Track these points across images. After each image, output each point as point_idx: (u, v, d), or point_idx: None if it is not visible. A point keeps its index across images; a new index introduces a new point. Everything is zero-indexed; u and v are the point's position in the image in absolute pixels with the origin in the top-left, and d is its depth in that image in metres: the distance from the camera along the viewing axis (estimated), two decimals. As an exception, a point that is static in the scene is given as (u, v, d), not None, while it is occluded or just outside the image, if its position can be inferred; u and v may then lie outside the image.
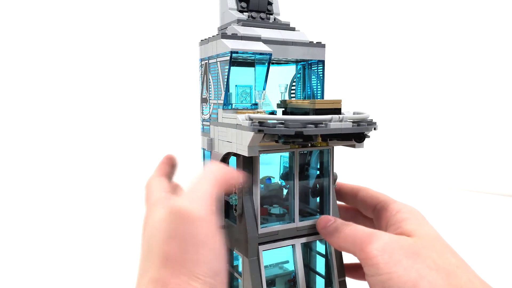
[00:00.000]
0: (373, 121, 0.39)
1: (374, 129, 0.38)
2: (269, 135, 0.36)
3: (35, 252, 0.86)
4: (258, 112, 0.40)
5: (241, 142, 0.37)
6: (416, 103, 1.53)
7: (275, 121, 0.35)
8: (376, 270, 0.34)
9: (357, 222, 0.48)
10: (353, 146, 0.42)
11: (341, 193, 0.50)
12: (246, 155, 0.37)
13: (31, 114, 1.29)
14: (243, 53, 0.40)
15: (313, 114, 0.39)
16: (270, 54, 0.41)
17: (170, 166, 0.44)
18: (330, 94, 0.52)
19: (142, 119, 1.46)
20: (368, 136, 0.38)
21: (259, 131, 0.35)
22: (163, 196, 0.36)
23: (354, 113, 0.41)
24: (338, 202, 0.51)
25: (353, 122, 0.36)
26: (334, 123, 0.35)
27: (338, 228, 0.39)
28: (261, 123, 0.35)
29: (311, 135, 0.35)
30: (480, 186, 1.37)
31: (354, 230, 0.38)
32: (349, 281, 0.46)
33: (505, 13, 1.33)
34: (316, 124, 0.35)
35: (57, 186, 1.30)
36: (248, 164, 0.41)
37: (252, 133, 0.35)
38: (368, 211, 0.46)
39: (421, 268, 0.33)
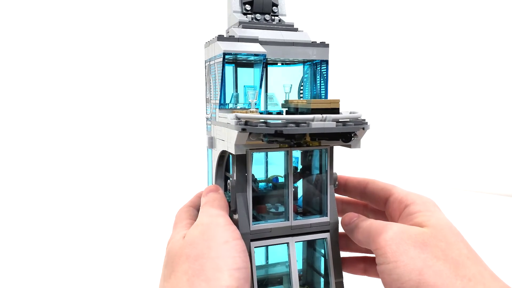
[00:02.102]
0: (364, 120, 0.38)
1: (363, 128, 0.37)
2: (255, 134, 0.37)
3: (35, 253, 0.88)
4: (250, 111, 0.41)
5: (230, 140, 0.39)
6: (418, 103, 1.50)
7: (259, 120, 0.36)
8: (384, 259, 0.34)
9: (368, 216, 0.48)
10: (349, 146, 0.42)
11: (348, 188, 0.49)
12: (233, 153, 0.38)
13: (40, 115, 1.34)
14: (237, 54, 0.41)
15: (311, 114, 0.40)
16: (264, 55, 0.42)
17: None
18: (338, 94, 0.51)
19: (154, 118, 1.52)
20: (356, 136, 0.38)
21: (243, 129, 0.36)
22: (186, 222, 0.42)
23: (350, 113, 0.41)
24: (347, 197, 0.51)
25: (337, 121, 0.36)
26: (316, 122, 0.35)
27: (358, 224, 0.41)
28: (247, 122, 0.36)
29: (293, 134, 0.35)
30: (480, 186, 1.34)
31: (370, 224, 0.39)
32: (348, 282, 0.46)
33: (504, 13, 1.28)
34: (298, 123, 0.35)
35: (62, 185, 1.36)
36: (242, 162, 0.42)
37: (236, 132, 0.36)
38: (379, 204, 0.45)
39: (428, 257, 0.33)
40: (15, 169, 1.30)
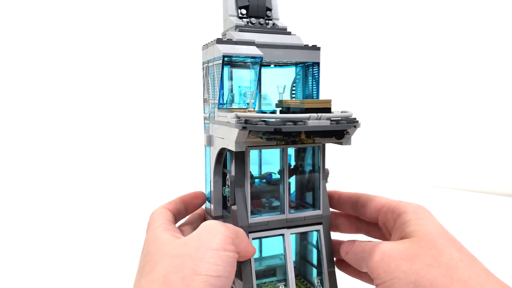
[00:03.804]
0: (355, 119, 0.41)
1: (354, 126, 0.40)
2: (254, 132, 0.39)
3: (33, 254, 0.88)
4: (248, 111, 0.44)
5: (230, 138, 0.41)
6: (414, 103, 1.52)
7: (259, 119, 0.38)
8: (379, 280, 0.35)
9: (364, 230, 0.50)
10: (340, 143, 0.44)
11: (342, 202, 0.49)
12: (234, 150, 0.40)
13: (40, 115, 1.34)
14: (235, 56, 0.43)
15: (304, 113, 0.42)
16: (261, 58, 0.44)
17: (182, 205, 0.48)
18: (329, 94, 0.54)
19: (152, 119, 1.54)
20: (348, 133, 0.41)
21: (243, 128, 0.38)
22: (164, 222, 0.41)
23: (342, 112, 0.44)
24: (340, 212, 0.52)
25: (331, 120, 0.39)
26: (313, 121, 0.38)
27: (352, 251, 0.42)
28: (247, 120, 0.39)
29: (290, 132, 0.38)
30: (480, 186, 1.35)
31: (359, 247, 0.40)
32: (338, 271, 0.49)
33: (495, 14, 1.31)
34: (295, 122, 0.38)
35: (60, 184, 1.37)
36: (240, 158, 0.44)
37: (237, 130, 0.39)
38: (371, 217, 0.45)
39: (420, 268, 0.33)
40: (13, 167, 1.30)
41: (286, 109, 0.47)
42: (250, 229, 0.44)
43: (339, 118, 0.40)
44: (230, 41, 0.45)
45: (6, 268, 0.81)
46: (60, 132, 1.39)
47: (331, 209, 0.51)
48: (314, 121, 0.38)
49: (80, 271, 0.80)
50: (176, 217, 0.46)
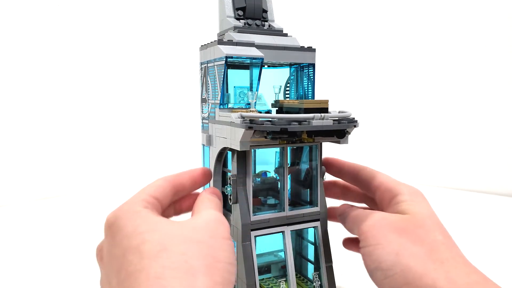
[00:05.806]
0: (354, 119, 0.43)
1: (355, 126, 0.42)
2: (258, 131, 0.40)
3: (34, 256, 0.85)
4: (250, 111, 0.44)
5: (234, 137, 0.42)
6: (411, 103, 1.53)
7: (264, 119, 0.39)
8: (365, 242, 0.39)
9: (360, 199, 0.53)
10: (338, 142, 0.46)
11: (343, 172, 0.51)
12: (238, 149, 0.41)
13: (43, 116, 1.32)
14: (237, 58, 0.44)
15: (303, 113, 0.43)
16: (262, 59, 0.45)
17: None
18: (323, 94, 0.56)
19: (148, 118, 1.53)
20: (349, 133, 0.42)
21: (249, 128, 0.39)
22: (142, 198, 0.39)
23: (339, 112, 0.45)
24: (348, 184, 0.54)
25: (334, 120, 0.40)
26: (317, 121, 0.39)
27: (348, 214, 0.45)
28: (252, 120, 0.40)
29: (295, 131, 0.39)
30: (480, 186, 1.36)
31: (357, 213, 0.43)
32: (335, 266, 0.50)
33: (495, 14, 1.32)
34: (299, 121, 0.39)
35: (58, 183, 1.34)
36: (242, 158, 0.45)
37: (243, 130, 0.39)
38: (369, 191, 0.48)
39: (405, 241, 0.37)
40: (13, 167, 1.27)
41: (290, 109, 0.48)
42: (252, 227, 0.45)
43: (341, 118, 0.41)
44: (230, 42, 0.46)
45: (7, 268, 0.79)
46: (60, 132, 1.36)
47: (337, 178, 0.53)
48: (318, 120, 0.39)
49: (81, 271, 0.78)
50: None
